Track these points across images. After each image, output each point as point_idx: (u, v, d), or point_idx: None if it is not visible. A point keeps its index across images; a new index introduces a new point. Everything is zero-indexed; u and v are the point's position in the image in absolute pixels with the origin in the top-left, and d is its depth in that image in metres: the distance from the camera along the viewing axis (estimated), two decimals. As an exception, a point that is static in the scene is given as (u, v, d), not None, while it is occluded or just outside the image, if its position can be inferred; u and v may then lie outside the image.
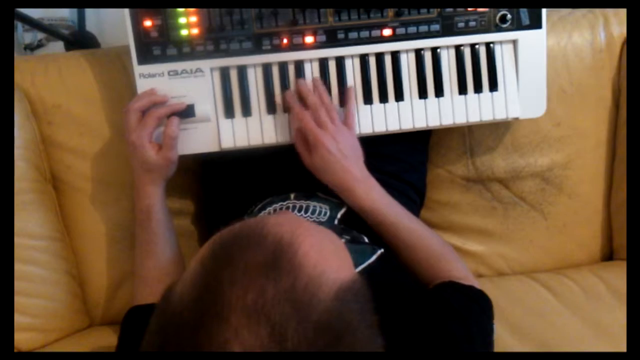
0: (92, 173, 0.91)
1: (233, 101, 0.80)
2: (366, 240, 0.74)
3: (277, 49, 0.79)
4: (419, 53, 0.82)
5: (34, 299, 0.87)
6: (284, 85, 0.80)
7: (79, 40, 1.43)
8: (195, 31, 0.78)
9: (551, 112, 0.91)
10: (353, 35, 0.80)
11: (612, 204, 1.00)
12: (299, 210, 0.78)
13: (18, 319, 0.85)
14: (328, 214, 0.78)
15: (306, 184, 0.81)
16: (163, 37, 0.78)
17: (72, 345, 0.88)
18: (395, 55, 0.82)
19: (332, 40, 0.80)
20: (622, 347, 0.80)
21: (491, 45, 0.84)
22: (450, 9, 0.81)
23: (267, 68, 0.80)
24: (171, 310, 0.37)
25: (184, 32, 0.78)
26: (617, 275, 0.93)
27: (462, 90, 0.83)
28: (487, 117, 0.85)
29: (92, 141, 0.91)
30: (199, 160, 0.91)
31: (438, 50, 0.83)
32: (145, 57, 0.78)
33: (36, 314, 0.87)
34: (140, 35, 0.77)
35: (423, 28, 0.81)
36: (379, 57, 0.82)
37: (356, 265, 0.60)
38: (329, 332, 0.35)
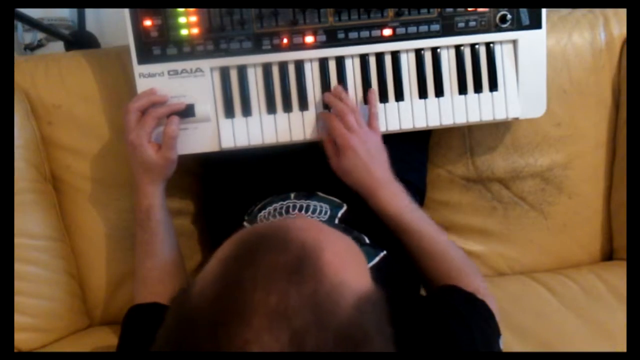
0: (92, 173, 0.91)
1: (233, 101, 0.80)
2: (367, 241, 0.74)
3: (277, 48, 0.79)
4: (419, 53, 0.82)
5: (34, 299, 0.87)
6: (284, 85, 0.80)
7: (79, 40, 1.43)
8: (195, 31, 0.78)
9: (551, 112, 0.91)
10: (353, 35, 0.80)
11: (612, 204, 1.00)
12: (300, 210, 0.78)
13: (18, 319, 0.84)
14: (329, 213, 0.78)
15: (306, 183, 0.81)
16: (163, 37, 0.78)
17: (72, 345, 0.88)
18: (395, 55, 0.82)
19: (332, 40, 0.80)
20: (622, 347, 0.80)
21: (491, 45, 0.84)
22: (451, 9, 0.81)
23: (267, 68, 0.80)
24: (190, 306, 0.37)
25: (184, 32, 0.78)
26: (617, 275, 0.93)
27: (462, 90, 0.83)
28: (487, 117, 0.85)
29: (92, 141, 0.91)
30: (199, 160, 0.91)
31: (438, 50, 0.83)
32: (145, 56, 0.78)
33: (36, 314, 0.87)
34: (140, 34, 0.77)
35: (423, 28, 0.81)
36: (379, 57, 0.82)
37: None
38: (347, 341, 0.35)
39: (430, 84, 0.83)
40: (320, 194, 0.81)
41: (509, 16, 0.82)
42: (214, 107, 0.80)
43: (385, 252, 0.69)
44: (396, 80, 0.82)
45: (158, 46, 0.78)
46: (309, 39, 0.79)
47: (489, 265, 1.00)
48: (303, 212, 0.78)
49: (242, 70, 0.80)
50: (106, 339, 0.88)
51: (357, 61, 0.82)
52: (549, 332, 0.85)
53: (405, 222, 0.73)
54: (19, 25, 1.50)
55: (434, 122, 0.84)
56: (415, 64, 0.82)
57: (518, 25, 0.83)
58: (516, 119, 0.86)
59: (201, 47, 0.78)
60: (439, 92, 0.83)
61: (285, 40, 0.79)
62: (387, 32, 0.81)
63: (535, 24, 0.83)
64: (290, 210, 0.78)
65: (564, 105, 0.96)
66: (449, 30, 0.82)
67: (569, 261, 1.01)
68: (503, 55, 0.84)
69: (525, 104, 0.85)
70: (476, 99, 0.84)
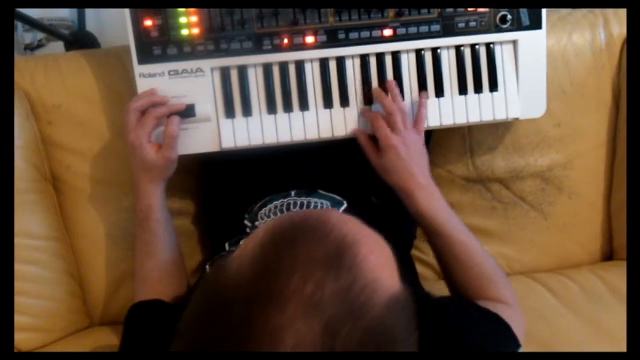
0: (92, 173, 0.91)
1: (233, 101, 0.80)
2: None
3: (278, 48, 0.79)
4: (419, 53, 0.82)
5: (34, 299, 0.87)
6: (285, 85, 0.80)
7: (79, 40, 1.43)
8: (195, 31, 0.78)
9: (551, 112, 0.91)
10: (354, 35, 0.80)
11: (612, 204, 1.00)
12: (300, 207, 0.78)
13: (18, 319, 0.84)
14: None
15: (307, 181, 0.81)
16: (163, 37, 0.78)
17: (72, 345, 0.88)
18: (395, 56, 0.82)
19: (332, 40, 0.80)
20: (622, 347, 0.80)
21: (491, 45, 0.84)
22: (451, 10, 0.81)
23: (267, 68, 0.80)
24: (225, 284, 0.37)
25: (184, 32, 0.78)
26: (617, 275, 0.93)
27: (462, 90, 0.84)
28: (487, 117, 0.85)
29: (92, 141, 0.91)
30: (199, 160, 0.91)
31: (438, 50, 0.83)
32: (146, 56, 0.78)
33: (36, 314, 0.87)
34: (141, 34, 0.77)
35: (423, 28, 0.81)
36: (380, 57, 0.82)
37: None
38: (376, 339, 0.35)
39: (430, 84, 0.83)
40: (321, 191, 0.81)
41: (509, 16, 0.82)
42: (214, 107, 0.80)
43: None
44: (396, 80, 0.82)
45: (158, 46, 0.78)
46: (310, 39, 0.79)
47: (489, 265, 1.00)
48: (304, 209, 0.78)
49: (242, 70, 0.80)
50: (106, 339, 0.88)
51: (357, 61, 0.82)
52: (549, 332, 0.85)
53: (439, 225, 0.73)
54: (19, 25, 1.50)
55: (434, 122, 0.84)
56: (415, 64, 0.82)
57: (518, 26, 0.83)
58: (516, 119, 0.86)
59: (202, 47, 0.78)
60: (439, 92, 0.83)
61: (285, 41, 0.79)
62: (387, 32, 0.81)
63: (535, 24, 0.83)
64: (291, 207, 0.78)
65: (564, 105, 0.96)
66: (449, 30, 0.82)
67: (569, 261, 1.01)
68: (503, 56, 0.84)
69: (525, 104, 0.85)
70: (476, 99, 0.84)
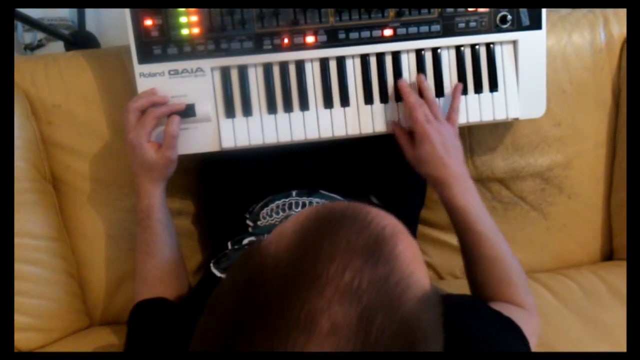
0: (92, 173, 0.91)
1: (234, 101, 0.80)
2: None
3: (278, 48, 0.79)
4: (419, 53, 0.82)
5: (34, 299, 0.87)
6: (285, 85, 0.80)
7: (79, 40, 1.43)
8: (196, 30, 0.78)
9: (551, 112, 0.91)
10: (354, 35, 0.80)
11: (612, 204, 1.00)
12: (302, 207, 0.78)
13: (18, 319, 0.84)
14: None
15: (308, 181, 0.81)
16: (164, 37, 0.78)
17: (72, 345, 0.88)
18: (396, 56, 0.82)
19: (333, 40, 0.80)
20: (622, 347, 0.80)
21: (491, 45, 0.84)
22: (451, 10, 0.81)
23: (267, 68, 0.80)
24: (264, 263, 0.37)
25: (184, 32, 0.78)
26: (617, 275, 0.93)
27: (463, 90, 0.83)
28: (487, 117, 0.85)
29: (91, 141, 0.90)
30: (199, 160, 0.91)
31: (438, 50, 0.83)
32: (146, 56, 0.78)
33: (36, 314, 0.87)
34: (141, 34, 0.77)
35: (424, 28, 0.81)
36: (380, 57, 0.82)
37: None
38: (408, 333, 0.35)
39: (431, 84, 0.83)
40: (322, 191, 0.81)
41: (509, 17, 0.82)
42: (214, 107, 0.80)
43: None
44: (397, 80, 0.82)
45: (159, 46, 0.78)
46: (310, 39, 0.79)
47: (489, 265, 1.00)
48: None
49: (242, 70, 0.80)
50: (106, 339, 0.88)
51: (357, 61, 0.82)
52: (549, 332, 0.85)
53: (470, 219, 0.73)
54: (19, 25, 1.50)
55: (434, 122, 0.84)
56: (415, 64, 0.83)
57: (518, 26, 0.83)
58: (516, 119, 0.86)
59: (202, 47, 0.78)
60: (440, 92, 0.83)
61: (286, 40, 0.79)
62: (387, 32, 0.81)
63: (535, 24, 0.83)
64: (293, 207, 0.78)
65: (564, 105, 0.96)
66: (449, 30, 0.82)
67: (569, 261, 1.01)
68: (503, 56, 0.85)
69: (525, 104, 0.85)
70: (476, 99, 0.84)
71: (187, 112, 0.78)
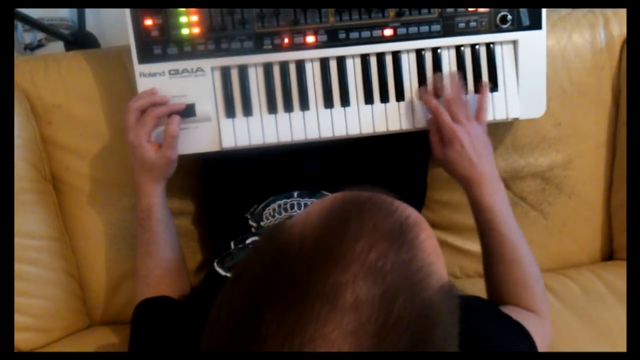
0: (92, 173, 0.91)
1: (234, 101, 0.80)
2: None
3: (278, 48, 0.79)
4: (419, 53, 0.82)
5: (34, 299, 0.86)
6: (285, 84, 0.80)
7: (79, 40, 1.43)
8: (196, 30, 0.78)
9: (551, 112, 0.91)
10: (354, 35, 0.80)
11: (612, 204, 1.00)
12: (305, 207, 0.78)
13: (18, 319, 0.84)
14: None
15: (309, 182, 0.81)
16: (164, 36, 0.78)
17: (72, 345, 0.87)
18: (396, 56, 0.82)
19: (333, 40, 0.80)
20: (622, 347, 0.80)
21: (491, 45, 0.84)
22: (451, 10, 0.81)
23: (268, 67, 0.80)
24: (290, 240, 0.37)
25: (185, 31, 0.78)
26: (617, 275, 0.93)
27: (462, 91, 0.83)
28: (488, 117, 0.84)
29: (91, 141, 0.90)
30: (200, 160, 0.91)
31: (439, 50, 0.83)
32: (146, 56, 0.78)
33: (36, 314, 0.87)
34: (141, 34, 0.77)
35: (424, 28, 0.81)
36: (380, 57, 0.82)
37: None
38: (427, 318, 0.36)
39: (430, 84, 0.83)
40: (324, 192, 0.81)
41: (509, 17, 0.82)
42: (214, 107, 0.80)
43: None
44: (397, 80, 0.82)
45: (159, 45, 0.78)
46: (310, 38, 0.79)
47: (489, 265, 1.00)
48: None
49: (243, 70, 0.80)
50: (106, 339, 0.88)
51: (358, 61, 0.82)
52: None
53: (495, 219, 0.73)
54: (19, 25, 1.50)
55: (434, 122, 0.84)
56: (416, 64, 0.83)
57: (518, 26, 0.83)
58: (516, 119, 0.86)
59: (202, 47, 0.78)
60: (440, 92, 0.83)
61: (286, 40, 0.79)
62: (388, 32, 0.81)
63: (535, 24, 0.84)
64: (295, 207, 0.78)
65: (564, 105, 0.96)
66: (449, 30, 0.82)
67: (569, 261, 1.01)
68: (503, 56, 0.85)
69: (525, 104, 0.85)
70: (477, 100, 0.84)
71: (187, 112, 0.78)
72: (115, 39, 1.42)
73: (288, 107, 0.81)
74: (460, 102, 0.78)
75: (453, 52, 0.83)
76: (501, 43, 0.84)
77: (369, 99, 0.82)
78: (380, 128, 0.82)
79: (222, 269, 0.71)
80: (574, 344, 0.83)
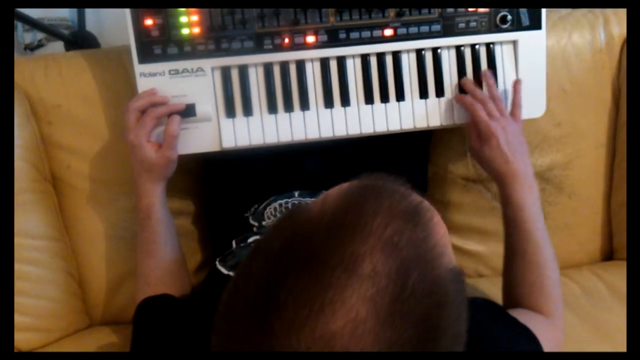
0: (92, 173, 0.91)
1: (234, 101, 0.80)
2: None
3: (279, 48, 0.79)
4: (420, 53, 0.82)
5: (34, 299, 0.86)
6: (285, 84, 0.80)
7: (79, 40, 1.43)
8: (196, 30, 0.78)
9: (551, 112, 0.91)
10: (354, 35, 0.80)
11: (612, 204, 1.00)
12: None
13: (18, 319, 0.84)
14: None
15: (309, 182, 0.81)
16: (164, 36, 0.78)
17: (72, 345, 0.87)
18: (396, 55, 0.82)
19: (333, 40, 0.80)
20: (622, 347, 0.80)
21: (491, 45, 0.84)
22: (451, 10, 0.81)
23: (268, 67, 0.80)
24: (309, 218, 0.39)
25: (185, 31, 0.78)
26: (617, 275, 0.93)
27: (463, 90, 0.84)
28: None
29: (91, 141, 0.90)
30: (200, 160, 0.91)
31: (439, 50, 0.83)
32: (146, 56, 0.78)
33: (36, 314, 0.87)
34: (141, 34, 0.77)
35: (424, 28, 0.81)
36: (380, 57, 0.82)
37: None
38: (439, 294, 0.37)
39: (431, 84, 0.83)
40: (325, 192, 0.81)
41: (509, 17, 0.82)
42: (214, 107, 0.80)
43: None
44: (397, 80, 0.82)
45: (159, 45, 0.78)
46: (310, 38, 0.79)
47: (489, 265, 1.00)
48: None
49: (243, 70, 0.80)
50: (106, 339, 0.88)
51: (358, 61, 0.82)
52: (549, 332, 0.85)
53: (523, 217, 0.74)
54: (19, 25, 1.50)
55: (434, 122, 0.84)
56: (416, 64, 0.83)
57: (518, 26, 0.83)
58: (516, 119, 0.86)
59: (202, 47, 0.78)
60: (440, 92, 0.83)
61: (286, 40, 0.79)
62: (388, 32, 0.81)
63: (535, 24, 0.84)
64: None
65: (564, 105, 0.96)
66: (449, 30, 0.82)
67: (569, 261, 1.01)
68: (503, 56, 0.85)
69: (525, 104, 0.85)
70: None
71: (188, 112, 0.78)
72: (115, 39, 1.42)
73: (288, 107, 0.81)
74: (496, 99, 0.79)
75: (453, 52, 0.83)
76: (501, 43, 0.84)
77: (369, 99, 0.82)
78: (381, 128, 0.82)
79: (224, 267, 0.71)
80: (574, 344, 0.83)
